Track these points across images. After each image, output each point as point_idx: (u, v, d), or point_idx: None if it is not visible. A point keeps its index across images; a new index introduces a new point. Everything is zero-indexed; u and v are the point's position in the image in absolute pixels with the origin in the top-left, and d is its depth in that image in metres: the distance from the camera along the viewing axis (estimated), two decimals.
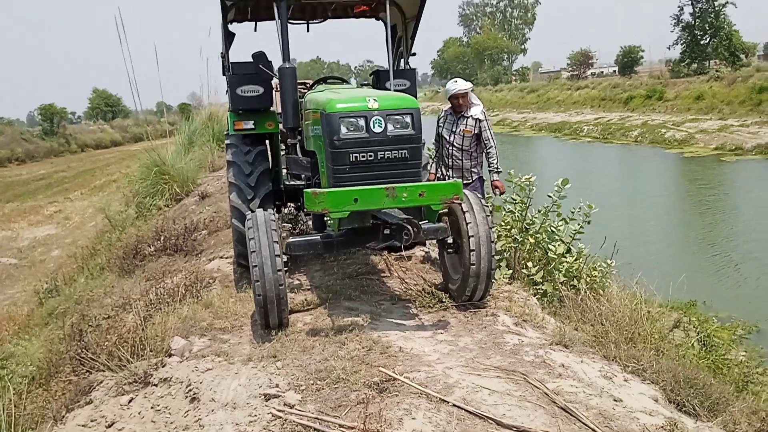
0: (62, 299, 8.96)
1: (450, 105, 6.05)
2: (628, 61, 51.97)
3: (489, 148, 5.95)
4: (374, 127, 4.12)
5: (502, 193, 6.07)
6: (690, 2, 44.15)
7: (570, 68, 65.47)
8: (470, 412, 3.02)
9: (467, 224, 4.39)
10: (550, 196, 6.00)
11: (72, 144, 45.45)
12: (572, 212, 6.18)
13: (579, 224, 6.07)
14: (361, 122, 4.13)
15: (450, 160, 5.97)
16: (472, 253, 4.35)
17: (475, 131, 5.90)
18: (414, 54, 6.14)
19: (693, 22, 44.22)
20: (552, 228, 5.95)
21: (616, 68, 56.64)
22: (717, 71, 38.47)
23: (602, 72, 64.64)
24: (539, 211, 6.08)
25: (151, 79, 14.08)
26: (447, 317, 4.51)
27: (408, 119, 4.21)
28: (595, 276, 5.71)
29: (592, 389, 3.34)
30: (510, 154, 29.76)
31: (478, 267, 4.37)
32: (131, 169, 18.82)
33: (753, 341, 8.14)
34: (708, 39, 43.89)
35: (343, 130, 4.12)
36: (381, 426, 2.63)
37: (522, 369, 3.53)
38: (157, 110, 38.24)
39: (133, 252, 8.30)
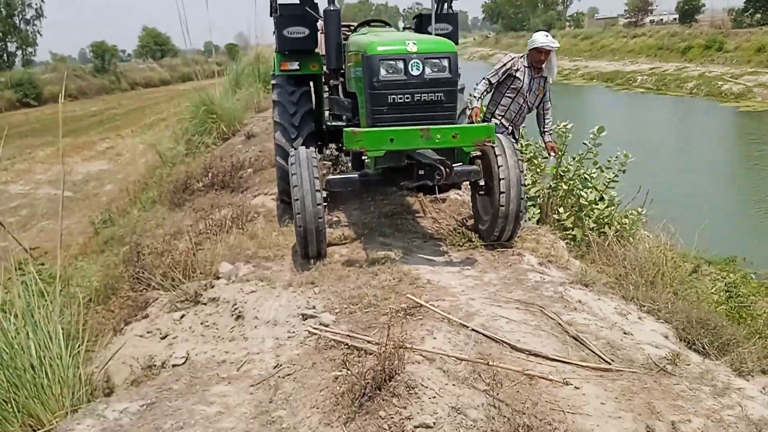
0: (116, 229, 9.52)
1: (524, 56, 5.69)
2: (689, 9, 49.68)
3: (548, 109, 5.83)
4: (412, 70, 4.29)
5: (557, 155, 6.01)
6: None
7: (628, 15, 62.88)
8: (487, 336, 3.29)
9: (498, 167, 4.56)
10: (585, 144, 6.09)
11: (122, 82, 46.45)
12: (609, 161, 6.28)
13: (614, 173, 6.17)
14: (400, 65, 4.30)
15: (519, 116, 5.75)
16: (501, 195, 4.54)
17: (544, 92, 5.76)
18: None
19: None
20: (586, 175, 6.06)
21: (677, 16, 54.14)
22: None
23: (662, 20, 61.97)
24: (574, 158, 6.19)
25: (200, 19, 14.32)
26: (475, 255, 4.75)
27: (445, 63, 4.35)
28: (626, 224, 5.84)
29: (604, 323, 3.56)
30: (558, 103, 29.18)
31: (507, 208, 4.56)
32: (180, 108, 19.32)
33: None
34: None
35: (383, 72, 4.30)
36: (404, 342, 2.91)
37: (540, 302, 3.77)
38: (205, 50, 38.57)
39: (183, 187, 8.73)
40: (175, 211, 8.16)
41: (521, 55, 5.74)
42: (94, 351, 4.08)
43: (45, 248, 8.01)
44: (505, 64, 5.68)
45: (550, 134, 5.89)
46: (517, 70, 5.63)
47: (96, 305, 5.61)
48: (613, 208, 5.91)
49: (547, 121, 5.80)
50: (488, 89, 5.79)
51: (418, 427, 2.47)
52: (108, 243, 9.10)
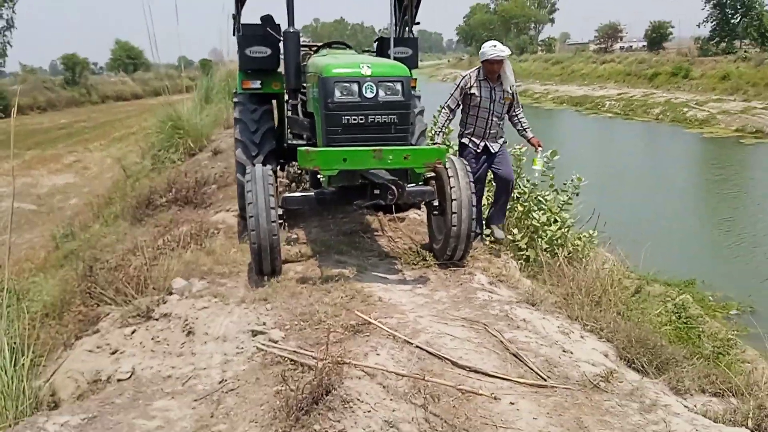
0: (77, 243, 9.42)
1: (477, 69, 5.60)
2: (657, 37, 51.00)
3: (520, 111, 5.83)
4: (366, 92, 4.41)
5: (540, 147, 5.83)
6: None
7: (598, 41, 64.39)
8: (430, 353, 3.37)
9: (451, 188, 4.68)
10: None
11: (93, 95, 45.94)
12: (564, 184, 6.46)
13: (568, 196, 6.35)
14: (354, 87, 4.41)
15: (488, 130, 5.58)
16: (453, 216, 4.65)
17: (510, 99, 5.67)
18: (418, 23, 6.36)
19: (724, 0, 43.18)
20: (539, 197, 6.22)
21: (645, 43, 55.60)
22: (745, 51, 37.77)
23: (631, 47, 63.50)
24: (528, 180, 6.35)
25: (173, 33, 14.33)
26: (428, 274, 4.85)
27: (398, 86, 4.48)
28: (578, 245, 6.00)
29: (545, 341, 3.67)
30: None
31: (458, 228, 4.67)
32: (148, 122, 19.24)
33: (745, 321, 8.35)
34: (738, 18, 42.92)
35: (337, 93, 4.41)
36: (345, 358, 2.98)
37: (485, 320, 3.87)
38: (178, 65, 38.48)
39: (146, 202, 8.68)
40: (136, 227, 8.11)
41: (473, 69, 5.67)
42: (43, 365, 4.06)
43: (2, 262, 7.91)
44: (458, 86, 5.60)
45: (530, 130, 5.88)
46: (471, 87, 5.53)
47: (50, 320, 5.56)
48: (565, 230, 6.07)
49: (522, 122, 5.80)
50: (450, 116, 5.76)
51: None
52: (68, 257, 8.98)
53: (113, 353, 4.02)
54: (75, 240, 9.77)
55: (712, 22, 44.13)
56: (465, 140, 5.69)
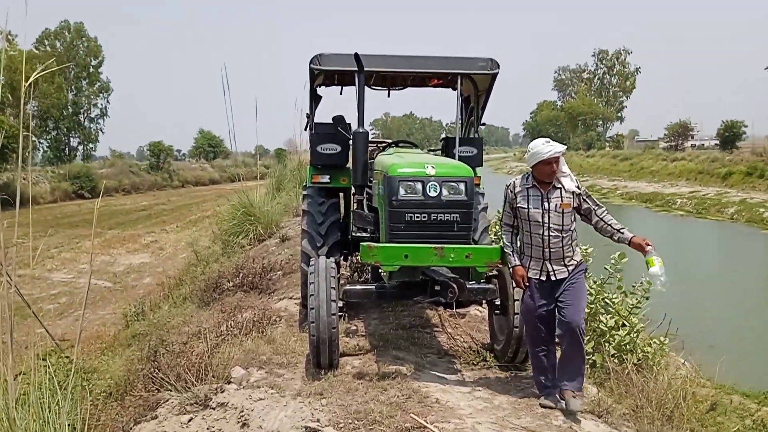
0: (146, 324, 9.71)
1: (524, 176, 4.41)
2: (730, 136, 50.03)
3: (602, 210, 4.35)
4: (430, 191, 4.50)
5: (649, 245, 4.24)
6: None
7: (668, 139, 63.75)
8: None
9: (513, 288, 4.62)
10: (606, 268, 6.11)
11: (174, 179, 48.66)
12: (633, 286, 6.25)
13: (637, 299, 6.12)
14: (419, 186, 4.52)
15: (546, 250, 4.22)
16: (516, 317, 4.56)
17: (574, 204, 4.28)
18: (483, 124, 6.53)
19: None
20: (606, 300, 6.02)
21: (717, 141, 54.62)
22: None
23: (702, 144, 62.51)
24: (595, 282, 6.18)
25: (252, 124, 15.25)
26: (488, 375, 4.71)
27: (462, 186, 4.56)
28: (648, 352, 5.71)
29: None
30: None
31: (521, 330, 4.56)
32: (222, 207, 20.12)
33: None
34: None
35: (402, 191, 4.53)
36: None
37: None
38: (255, 153, 40.46)
39: (213, 285, 8.95)
40: (203, 309, 8.33)
41: (517, 177, 4.50)
42: None
43: (74, 339, 8.22)
44: (505, 198, 4.47)
45: (627, 229, 4.33)
46: (515, 198, 4.35)
47: (113, 400, 5.67)
48: (634, 335, 5.81)
49: (611, 223, 4.30)
50: (513, 231, 4.47)
51: None
52: (135, 337, 9.26)
53: None
54: (144, 320, 10.08)
55: None
56: (525, 262, 4.37)
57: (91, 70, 52.94)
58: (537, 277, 4.25)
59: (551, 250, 4.21)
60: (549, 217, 4.22)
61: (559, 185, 4.25)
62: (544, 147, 4.21)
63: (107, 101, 55.75)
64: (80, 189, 38.55)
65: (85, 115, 54.37)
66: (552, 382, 4.26)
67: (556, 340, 4.34)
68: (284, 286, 8.25)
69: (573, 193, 4.27)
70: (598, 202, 4.37)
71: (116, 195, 41.67)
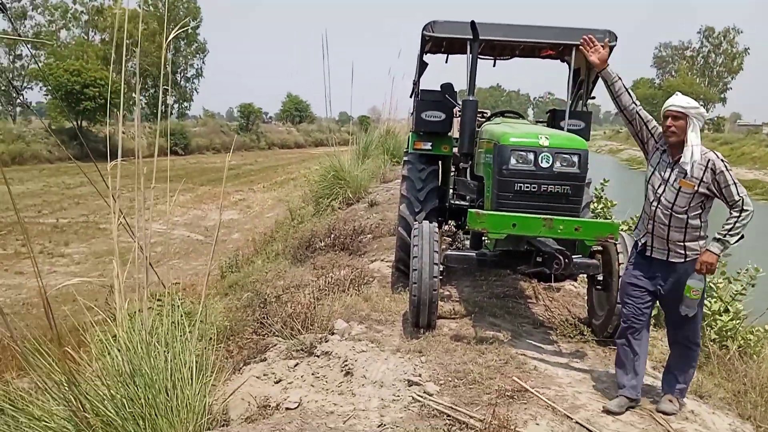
0: (241, 276, 10.21)
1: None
2: None
3: (733, 209, 3.60)
4: (542, 162, 4.49)
5: (708, 272, 3.67)
6: None
7: None
8: (591, 431, 3.27)
9: (619, 264, 4.57)
10: None
11: (262, 141, 50.07)
12: (738, 272, 6.04)
13: (742, 285, 5.92)
14: (531, 156, 4.52)
15: (651, 223, 3.72)
16: (618, 293, 4.52)
17: (701, 188, 3.59)
18: (593, 97, 6.37)
19: None
20: (711, 284, 5.84)
21: None
22: None
23: None
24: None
25: (339, 91, 15.45)
26: (585, 349, 4.72)
27: (575, 159, 4.52)
28: (750, 340, 5.53)
29: None
30: None
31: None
32: (311, 170, 20.61)
33: None
34: None
35: (513, 161, 4.54)
36: (507, 423, 2.99)
37: (650, 407, 3.69)
38: (339, 119, 40.99)
39: (306, 244, 9.28)
40: (296, 266, 8.67)
41: None
42: (215, 384, 4.44)
43: (173, 288, 8.78)
44: (654, 128, 3.89)
45: (719, 241, 3.58)
46: (649, 141, 3.88)
47: (218, 344, 6.07)
48: (737, 321, 5.63)
49: (727, 223, 3.59)
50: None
51: None
52: (232, 287, 9.76)
53: (277, 382, 4.32)
54: (239, 272, 10.60)
55: None
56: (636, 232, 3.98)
57: (190, 31, 54.80)
58: (641, 248, 3.81)
59: (655, 224, 3.69)
60: (664, 189, 3.67)
61: (689, 159, 3.59)
62: (670, 98, 3.73)
63: (203, 62, 57.78)
64: (175, 145, 40.34)
65: (182, 74, 56.54)
66: (630, 381, 3.75)
67: (649, 338, 3.99)
68: (374, 248, 8.44)
69: (707, 167, 3.59)
70: (738, 195, 3.58)
71: (207, 153, 43.41)
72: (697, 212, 3.64)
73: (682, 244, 3.66)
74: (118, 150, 3.85)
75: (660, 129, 3.81)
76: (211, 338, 4.29)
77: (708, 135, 59.04)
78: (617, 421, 3.47)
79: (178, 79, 56.22)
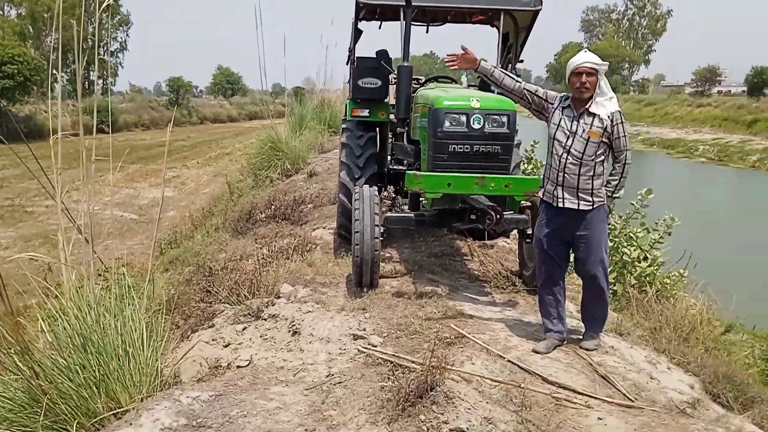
0: (181, 251, 10.17)
1: (570, 95, 4.02)
2: (758, 83, 48.92)
3: (618, 162, 3.99)
4: (474, 124, 4.74)
5: None
6: None
7: (694, 84, 62.49)
8: (521, 368, 3.59)
9: None
10: (632, 204, 6.36)
11: (193, 116, 48.79)
12: (656, 223, 6.53)
13: (659, 234, 6.40)
14: (463, 118, 4.76)
15: (561, 174, 3.96)
16: (534, 247, 4.85)
17: (604, 138, 3.90)
18: (522, 61, 6.65)
19: None
20: (631, 234, 6.30)
21: (745, 88, 53.46)
22: None
23: (729, 91, 61.26)
24: (620, 217, 6.45)
25: (273, 63, 15.32)
26: (517, 298, 5.06)
27: (504, 119, 4.79)
28: (667, 284, 6.03)
29: (633, 367, 3.80)
30: None
31: None
32: (245, 144, 20.39)
33: None
34: None
35: (447, 123, 4.77)
36: (445, 362, 3.25)
37: (574, 344, 4.05)
38: (273, 91, 40.34)
39: (247, 216, 9.33)
40: (237, 238, 8.72)
41: (560, 94, 4.20)
42: (164, 353, 4.55)
43: (114, 265, 8.68)
44: (545, 91, 4.24)
45: (612, 197, 4.04)
46: (551, 109, 4.10)
47: (165, 315, 6.13)
48: (655, 267, 6.12)
49: (612, 176, 4.02)
50: (525, 91, 4.25)
51: (452, 430, 2.80)
52: (172, 263, 9.72)
53: (226, 346, 4.46)
54: (178, 248, 10.55)
55: None
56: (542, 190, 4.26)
57: (112, 1, 52.41)
58: (548, 201, 4.07)
59: (565, 175, 3.93)
60: (573, 141, 3.92)
61: (597, 112, 3.88)
62: (577, 56, 3.94)
63: (127, 35, 55.50)
64: (101, 123, 38.84)
65: (105, 48, 54.14)
66: (555, 326, 4.09)
67: (566, 284, 4.28)
68: (316, 217, 8.59)
69: (611, 120, 3.87)
70: (625, 152, 3.94)
71: (136, 130, 42.01)
72: (601, 159, 3.96)
73: (590, 190, 3.95)
74: (58, 128, 3.84)
75: (549, 92, 4.19)
76: (157, 309, 4.37)
77: (633, 96, 61.44)
78: (545, 359, 3.81)
79: (102, 53, 53.82)
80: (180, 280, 7.47)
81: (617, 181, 4.00)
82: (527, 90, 4.21)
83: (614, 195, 4.03)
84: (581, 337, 4.17)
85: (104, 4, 4.41)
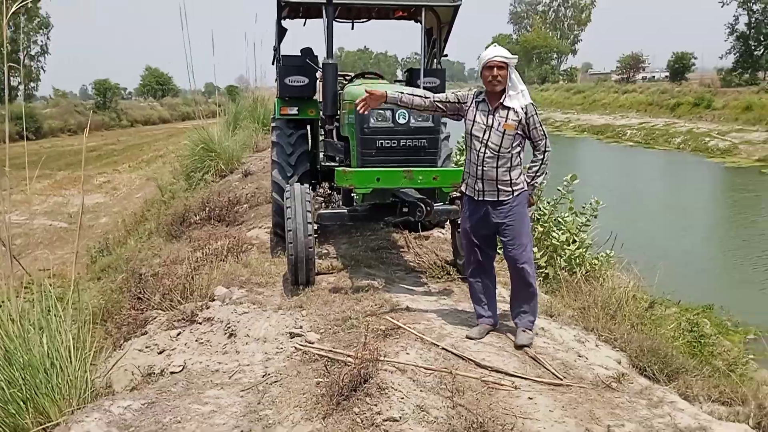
0: (113, 258, 9.87)
1: (483, 90, 4.11)
2: (680, 68, 51.19)
3: (537, 151, 4.08)
4: (399, 119, 4.80)
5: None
6: (746, 12, 43.42)
7: (620, 71, 64.78)
8: (455, 354, 3.68)
9: None
10: (559, 190, 6.58)
11: (123, 119, 47.20)
12: (583, 207, 6.77)
13: (586, 218, 6.65)
14: (388, 114, 4.81)
15: (479, 168, 4.03)
16: (461, 239, 4.97)
17: (519, 129, 3.99)
18: (446, 55, 6.76)
19: (748, 32, 43.51)
20: (559, 219, 6.52)
21: (668, 74, 55.82)
22: None
23: (653, 77, 63.80)
24: (549, 203, 6.66)
25: (202, 60, 15.02)
26: (452, 287, 5.16)
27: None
28: (595, 264, 6.27)
29: (562, 347, 3.95)
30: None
31: None
32: (178, 145, 19.89)
33: (762, 347, 8.40)
34: (762, 50, 43.18)
35: (372, 120, 4.81)
36: (377, 354, 3.30)
37: (506, 329, 4.16)
38: (206, 91, 39.55)
39: (181, 219, 9.14)
40: (172, 242, 8.53)
41: (471, 90, 4.30)
42: (95, 363, 4.42)
43: (40, 276, 8.35)
44: (455, 94, 4.33)
45: (533, 185, 4.15)
46: (466, 106, 4.17)
47: (95, 326, 5.95)
48: (583, 249, 6.35)
49: (533, 164, 4.12)
50: (432, 103, 4.32)
51: (386, 420, 2.84)
52: (104, 271, 9.43)
53: (161, 352, 4.38)
54: (111, 254, 10.23)
55: (735, 54, 44.41)
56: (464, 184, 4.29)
57: (29, 5, 50.06)
58: (470, 194, 4.15)
59: (484, 169, 4.01)
60: (489, 135, 3.99)
61: (510, 105, 3.98)
62: (488, 51, 4.01)
63: (47, 38, 53.08)
64: (24, 130, 37.12)
65: (25, 53, 51.68)
66: (486, 312, 4.19)
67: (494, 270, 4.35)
68: (252, 217, 8.51)
69: (521, 117, 3.97)
70: (541, 137, 4.04)
71: (62, 136, 40.31)
72: (517, 150, 4.05)
73: (509, 181, 4.03)
74: None
75: (458, 94, 4.26)
76: (86, 320, 4.24)
77: (562, 85, 63.19)
78: (478, 344, 3.90)
79: (21, 57, 51.40)
80: (113, 288, 7.26)
81: (538, 167, 4.09)
82: (438, 102, 4.29)
83: (535, 181, 4.12)
84: (515, 333, 4.09)
85: (15, 7, 4.22)
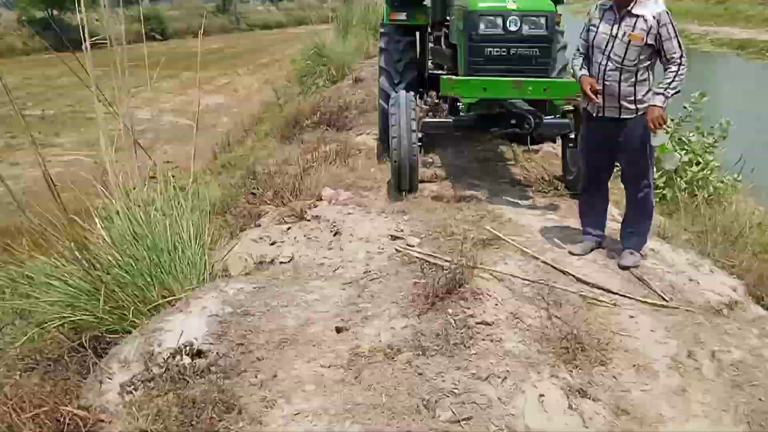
0: (232, 156, 10.41)
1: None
2: None
3: (672, 60, 3.59)
4: (510, 26, 4.57)
5: (659, 126, 3.61)
6: None
7: None
8: (556, 268, 3.63)
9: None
10: (685, 107, 6.10)
11: (242, 23, 48.20)
12: (712, 127, 6.26)
13: (714, 139, 6.16)
14: (499, 21, 4.59)
15: (601, 83, 3.70)
16: (579, 153, 4.75)
17: (649, 40, 3.58)
18: None
19: None
20: (683, 138, 6.08)
21: None
22: None
23: None
24: (672, 120, 6.20)
25: None
26: (559, 203, 5.03)
27: (542, 21, 4.59)
28: (720, 188, 5.85)
29: (672, 270, 3.78)
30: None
31: None
32: (293, 50, 20.17)
33: None
34: None
35: (482, 26, 4.61)
36: (475, 262, 3.33)
37: (613, 249, 4.03)
38: None
39: (293, 123, 9.41)
40: (285, 144, 8.85)
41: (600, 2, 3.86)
42: (213, 248, 4.78)
43: (166, 168, 8.98)
44: (584, 26, 3.89)
45: (664, 95, 3.59)
46: (591, 20, 3.82)
47: (214, 216, 6.38)
48: (707, 171, 5.92)
49: (666, 77, 3.61)
50: (583, 62, 3.90)
51: (479, 323, 2.91)
52: (224, 167, 10.00)
53: (272, 244, 4.63)
54: (230, 152, 10.79)
55: None
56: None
57: None
58: (590, 110, 3.85)
59: (605, 83, 3.67)
60: (613, 45, 3.63)
61: (640, 13, 3.56)
62: None
63: None
64: (151, 31, 38.87)
65: None
66: (594, 230, 4.06)
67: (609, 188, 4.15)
68: (360, 123, 8.59)
69: (656, 21, 3.53)
70: (678, 49, 3.57)
71: (186, 37, 41.90)
72: (645, 65, 3.66)
73: (632, 98, 3.68)
74: (86, 38, 3.88)
75: (589, 16, 3.87)
76: (205, 210, 4.54)
77: None
78: (581, 260, 3.83)
79: None
80: (231, 183, 7.71)
81: (671, 80, 3.58)
82: (582, 43, 3.88)
83: (665, 92, 3.58)
84: (621, 254, 3.90)
85: None
